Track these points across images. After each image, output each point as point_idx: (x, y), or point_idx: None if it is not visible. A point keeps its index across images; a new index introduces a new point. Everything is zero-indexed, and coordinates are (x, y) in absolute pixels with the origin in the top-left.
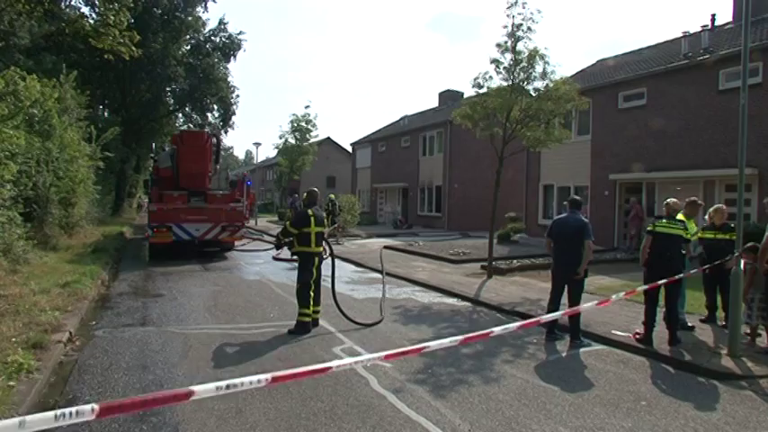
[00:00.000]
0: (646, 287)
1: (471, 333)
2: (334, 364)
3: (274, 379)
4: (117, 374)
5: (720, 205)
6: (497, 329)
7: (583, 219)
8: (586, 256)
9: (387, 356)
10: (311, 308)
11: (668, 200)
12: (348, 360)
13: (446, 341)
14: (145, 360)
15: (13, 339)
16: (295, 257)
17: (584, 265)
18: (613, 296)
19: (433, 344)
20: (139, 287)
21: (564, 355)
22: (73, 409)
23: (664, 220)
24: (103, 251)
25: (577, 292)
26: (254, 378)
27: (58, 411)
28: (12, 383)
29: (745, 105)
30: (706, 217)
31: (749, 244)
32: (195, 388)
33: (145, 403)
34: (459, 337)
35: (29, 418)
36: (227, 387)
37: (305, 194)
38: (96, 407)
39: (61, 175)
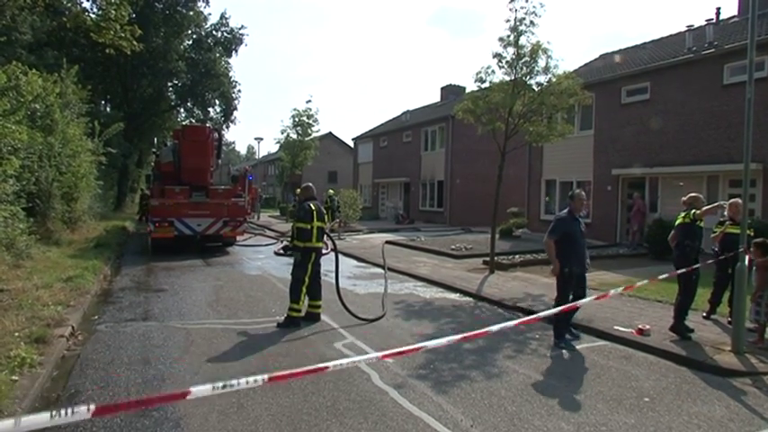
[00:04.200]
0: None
1: (474, 328)
2: (331, 364)
3: (271, 379)
4: (119, 369)
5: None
6: (495, 328)
7: (557, 215)
8: (549, 255)
9: (383, 356)
10: (301, 303)
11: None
12: (345, 360)
13: (444, 341)
14: (147, 355)
15: (16, 334)
16: (288, 252)
17: (553, 264)
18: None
19: (431, 343)
20: (141, 282)
21: (566, 351)
22: (69, 409)
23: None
24: (106, 246)
25: (558, 288)
26: (251, 379)
27: (54, 411)
28: (14, 378)
29: (752, 100)
30: (726, 212)
31: (758, 240)
32: (192, 389)
33: (140, 403)
34: (457, 336)
35: (24, 418)
36: (224, 387)
37: (301, 190)
38: (93, 407)
39: (64, 170)
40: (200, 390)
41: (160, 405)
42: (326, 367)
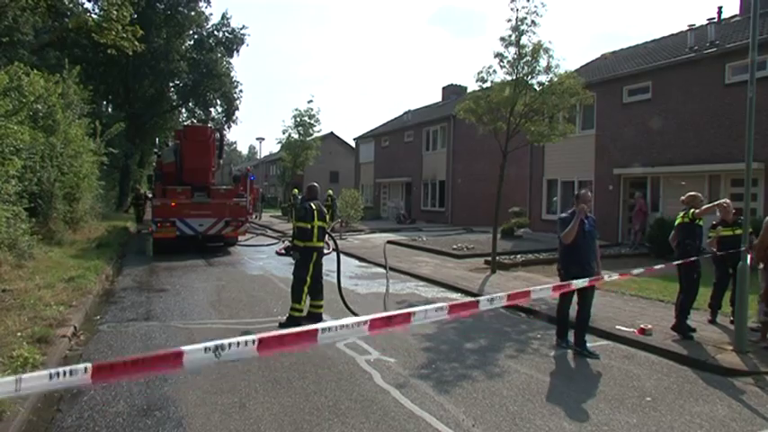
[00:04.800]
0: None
1: (476, 327)
2: (320, 325)
3: (261, 340)
4: None
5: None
6: (483, 299)
7: (559, 215)
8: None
9: (371, 327)
10: (303, 303)
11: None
12: (334, 323)
13: (432, 309)
14: None
15: (19, 334)
16: (290, 252)
17: (560, 263)
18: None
19: (418, 309)
20: (143, 282)
21: (568, 350)
22: (67, 369)
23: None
24: (107, 246)
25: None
26: (242, 339)
27: (53, 371)
28: None
29: (753, 99)
30: (718, 214)
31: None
32: (185, 348)
33: (137, 364)
34: (442, 306)
35: (25, 376)
36: (216, 348)
37: (306, 190)
38: (90, 366)
39: (66, 170)
40: (192, 348)
41: (155, 370)
42: (316, 330)
